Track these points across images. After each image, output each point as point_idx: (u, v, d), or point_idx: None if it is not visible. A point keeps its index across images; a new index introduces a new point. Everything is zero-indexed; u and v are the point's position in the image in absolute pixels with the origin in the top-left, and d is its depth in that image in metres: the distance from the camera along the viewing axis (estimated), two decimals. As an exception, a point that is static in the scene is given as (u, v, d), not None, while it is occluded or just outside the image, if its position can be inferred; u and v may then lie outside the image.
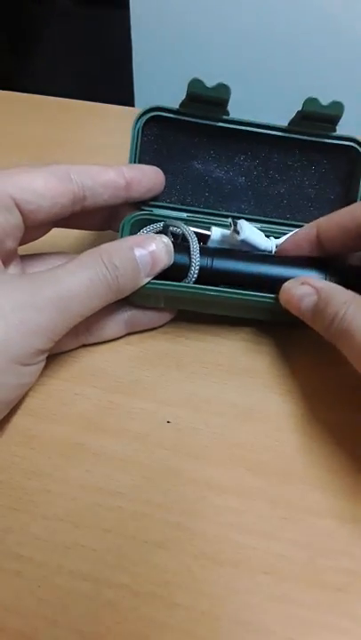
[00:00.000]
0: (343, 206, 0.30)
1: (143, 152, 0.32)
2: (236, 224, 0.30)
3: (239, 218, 0.31)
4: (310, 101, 0.30)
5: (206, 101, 0.30)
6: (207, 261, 0.29)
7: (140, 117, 0.31)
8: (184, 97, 0.30)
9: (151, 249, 0.27)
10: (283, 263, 0.30)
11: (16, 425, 0.28)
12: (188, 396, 0.29)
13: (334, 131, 0.32)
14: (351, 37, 0.84)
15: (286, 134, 0.32)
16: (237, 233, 0.30)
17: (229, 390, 0.29)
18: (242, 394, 0.29)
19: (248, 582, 0.23)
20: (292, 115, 0.31)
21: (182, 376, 0.30)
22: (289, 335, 0.32)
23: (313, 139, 0.32)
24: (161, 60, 0.93)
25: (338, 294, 0.26)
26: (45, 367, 0.30)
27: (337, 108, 0.31)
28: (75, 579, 0.23)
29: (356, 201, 0.33)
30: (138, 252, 0.27)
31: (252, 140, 0.32)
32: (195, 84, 0.30)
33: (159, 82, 0.93)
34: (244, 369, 0.30)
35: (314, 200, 0.34)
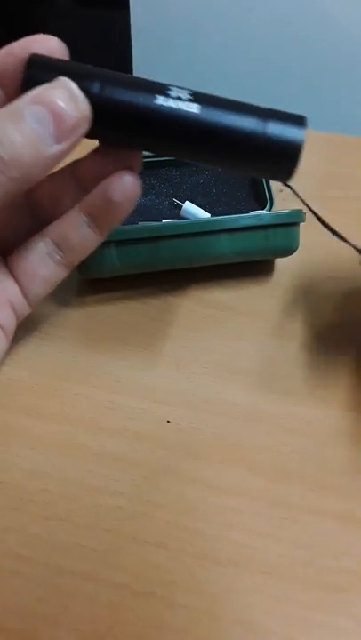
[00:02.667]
0: (255, 207, 0.35)
1: None
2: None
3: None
4: None
5: None
6: (90, 85, 0.20)
7: None
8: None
9: (48, 100, 0.19)
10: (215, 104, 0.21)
11: (16, 425, 0.28)
12: (188, 396, 0.29)
13: None
14: (351, 37, 0.84)
15: None
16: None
17: (229, 390, 0.29)
18: (242, 394, 0.29)
19: (248, 582, 0.23)
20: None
21: (182, 376, 0.30)
22: (289, 335, 0.32)
23: None
24: (161, 59, 0.93)
25: None
26: (45, 367, 0.30)
27: None
28: (75, 579, 0.23)
29: (264, 198, 0.37)
30: (28, 111, 0.19)
31: (162, 166, 0.37)
32: None
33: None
34: (244, 369, 0.30)
35: (230, 204, 0.38)
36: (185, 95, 0.20)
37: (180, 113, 0.20)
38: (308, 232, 0.33)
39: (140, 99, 0.20)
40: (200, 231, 0.31)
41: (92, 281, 0.34)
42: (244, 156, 0.21)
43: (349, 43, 0.84)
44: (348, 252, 0.36)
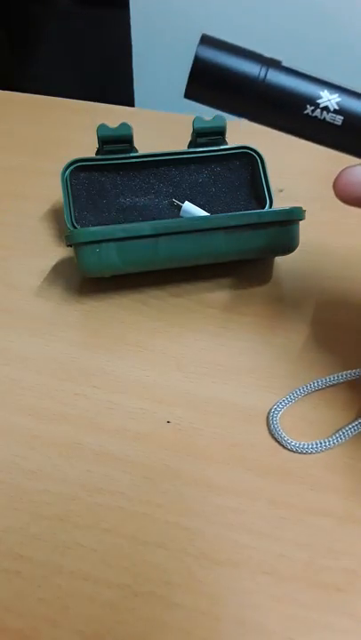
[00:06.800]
0: (254, 207, 0.36)
1: (76, 195, 0.37)
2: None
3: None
4: (197, 119, 0.36)
5: (114, 141, 0.36)
6: (258, 70, 0.22)
7: (64, 170, 0.36)
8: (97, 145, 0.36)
9: None
10: None
11: (16, 425, 0.28)
12: (188, 396, 0.29)
13: (224, 141, 0.37)
14: (351, 37, 0.84)
15: (187, 155, 0.37)
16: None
17: (229, 390, 0.29)
18: (242, 394, 0.29)
19: (248, 582, 0.23)
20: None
21: (182, 376, 0.30)
22: (289, 335, 0.31)
23: (212, 153, 0.37)
24: (161, 60, 0.93)
25: None
26: (45, 367, 0.30)
27: (219, 120, 0.36)
28: (75, 579, 0.23)
29: (264, 198, 0.37)
30: None
31: (161, 165, 0.38)
32: (101, 128, 0.36)
33: (159, 82, 0.93)
34: (243, 369, 0.30)
35: (230, 204, 0.38)
36: (333, 105, 0.22)
37: (322, 124, 0.22)
38: (308, 231, 0.33)
39: (290, 102, 0.22)
40: (200, 229, 0.31)
41: (92, 280, 0.34)
42: None
43: (350, 42, 0.84)
44: (348, 251, 0.36)
